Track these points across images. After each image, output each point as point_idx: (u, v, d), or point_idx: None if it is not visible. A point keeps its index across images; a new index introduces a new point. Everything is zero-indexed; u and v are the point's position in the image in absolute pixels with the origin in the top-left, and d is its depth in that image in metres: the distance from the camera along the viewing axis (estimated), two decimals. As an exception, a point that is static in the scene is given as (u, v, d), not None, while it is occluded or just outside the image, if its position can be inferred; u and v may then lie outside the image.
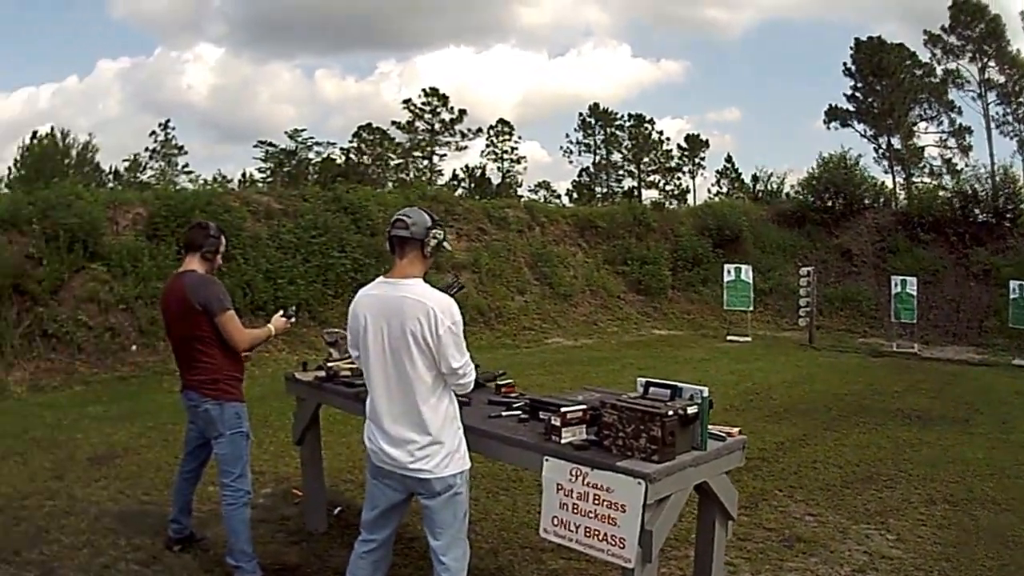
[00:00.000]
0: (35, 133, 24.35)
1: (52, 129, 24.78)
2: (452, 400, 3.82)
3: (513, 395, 4.87)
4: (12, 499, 6.56)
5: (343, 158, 58.73)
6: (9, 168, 28.08)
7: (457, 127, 62.64)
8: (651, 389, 3.90)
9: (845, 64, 47.71)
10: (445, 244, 3.89)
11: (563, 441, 3.76)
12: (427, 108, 62.10)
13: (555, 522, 3.71)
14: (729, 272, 19.01)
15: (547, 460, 3.74)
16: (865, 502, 7.00)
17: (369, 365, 3.81)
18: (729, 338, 17.95)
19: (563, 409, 3.81)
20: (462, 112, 62.82)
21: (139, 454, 8.06)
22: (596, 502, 3.53)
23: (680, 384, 3.86)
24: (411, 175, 56.68)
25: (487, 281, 18.71)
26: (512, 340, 17.37)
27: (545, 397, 4.43)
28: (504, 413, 4.39)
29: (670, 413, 3.52)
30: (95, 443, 8.46)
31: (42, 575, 5.12)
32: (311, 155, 56.44)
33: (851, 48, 47.40)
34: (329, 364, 5.50)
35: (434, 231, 3.77)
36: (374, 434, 3.84)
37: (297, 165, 54.21)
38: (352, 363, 5.23)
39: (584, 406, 3.88)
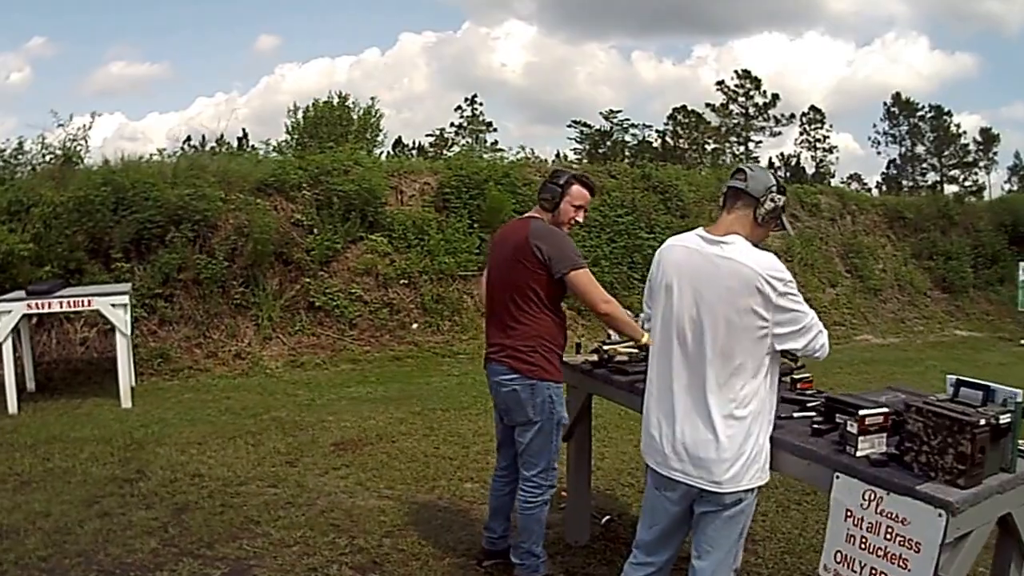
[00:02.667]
0: (316, 101, 24.65)
1: (331, 94, 24.89)
2: (768, 395, 3.27)
3: (810, 392, 4.20)
4: (228, 484, 6.01)
5: (659, 141, 59.21)
6: (285, 139, 28.40)
7: (771, 112, 63.99)
8: (962, 390, 3.38)
9: None
10: (784, 219, 3.41)
11: (859, 453, 3.17)
12: (740, 91, 63.39)
13: (838, 558, 3.15)
14: (1023, 271, 18.30)
15: (838, 478, 3.16)
16: None
17: (662, 335, 3.39)
18: (1023, 342, 17.01)
19: (862, 412, 3.20)
20: (775, 96, 64.17)
21: (394, 442, 7.25)
22: (888, 536, 2.97)
23: (993, 385, 3.29)
24: (727, 160, 56.22)
25: (799, 271, 17.85)
26: None
27: (844, 396, 3.74)
28: (796, 414, 3.73)
29: (982, 423, 2.87)
30: (346, 427, 7.71)
31: (231, 573, 4.58)
32: (627, 137, 57.17)
33: None
34: (605, 347, 4.77)
35: (774, 194, 3.30)
36: (655, 430, 3.39)
37: (612, 147, 54.78)
38: (631, 346, 4.62)
39: (886, 410, 3.29)
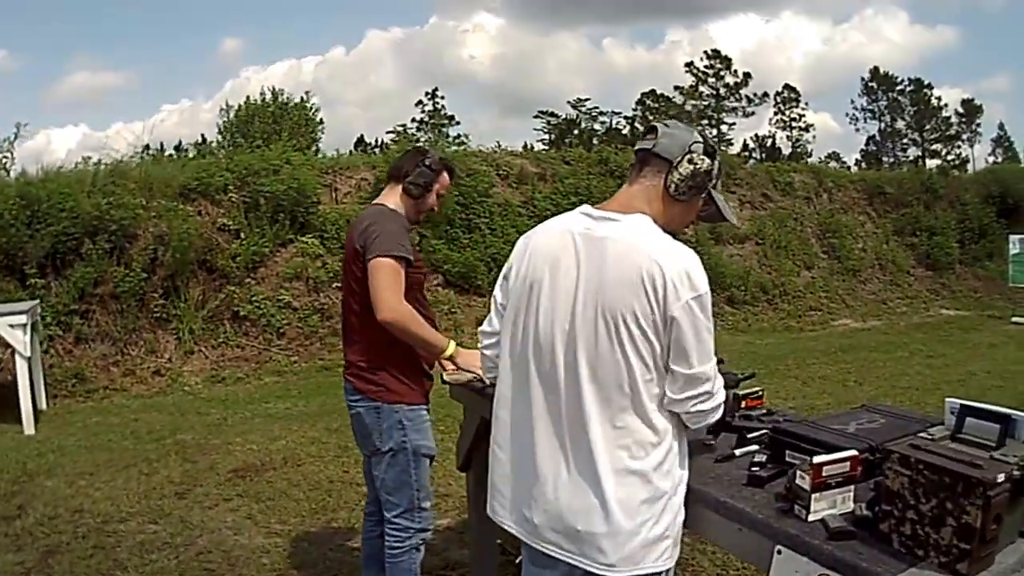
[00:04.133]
0: (248, 99, 23.95)
1: (263, 90, 24.21)
2: (676, 441, 2.32)
3: (758, 411, 3.21)
4: (107, 521, 5.56)
5: (628, 127, 59.24)
6: (216, 140, 27.18)
7: (742, 92, 63.98)
8: (968, 421, 2.42)
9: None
10: (717, 196, 2.48)
11: (812, 517, 2.17)
12: (710, 71, 63.59)
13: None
14: (1014, 244, 17.76)
15: (779, 553, 2.17)
16: None
17: (519, 354, 2.40)
18: (1014, 319, 16.48)
19: (817, 459, 2.20)
20: (747, 76, 64.22)
21: (299, 465, 6.81)
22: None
23: (1015, 414, 2.32)
24: None
25: (771, 254, 17.63)
26: (796, 322, 16.25)
27: (797, 424, 2.80)
28: (738, 451, 2.77)
29: (1000, 479, 1.88)
30: (251, 450, 7.28)
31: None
32: (596, 126, 57.04)
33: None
34: None
35: (695, 154, 2.33)
36: (509, 489, 2.46)
37: (579, 136, 54.68)
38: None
39: (853, 452, 2.27)
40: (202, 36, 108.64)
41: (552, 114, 59.04)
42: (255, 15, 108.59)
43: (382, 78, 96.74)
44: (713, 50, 64.62)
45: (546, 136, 58.05)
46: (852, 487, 2.24)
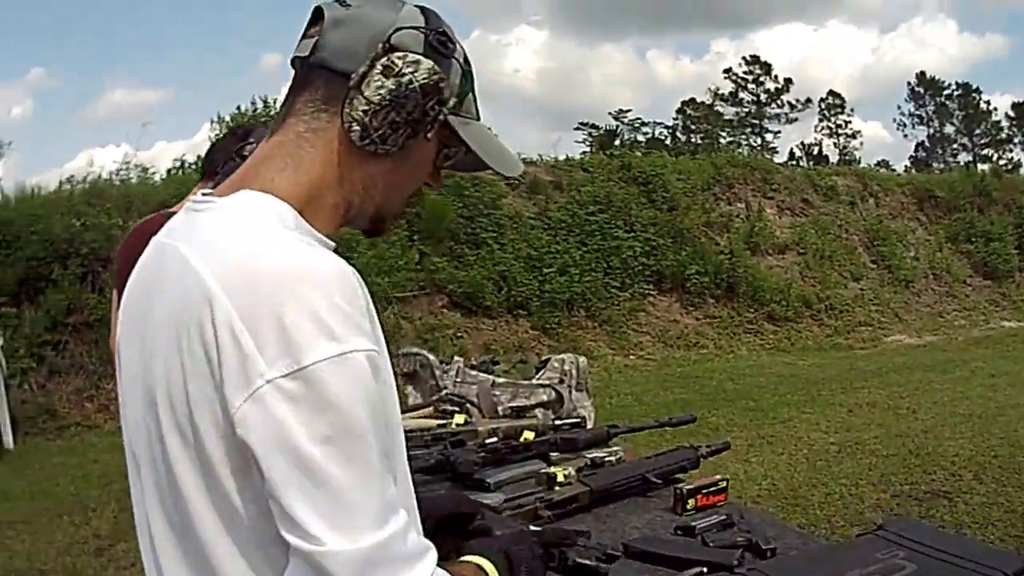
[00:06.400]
0: (239, 108, 23.19)
1: (254, 98, 23.50)
2: None
3: (712, 516, 1.97)
4: None
5: (669, 137, 58.89)
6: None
7: (784, 97, 62.57)
8: None
9: None
10: (459, 118, 1.21)
11: None
12: (750, 77, 62.48)
13: None
14: None
15: None
16: None
17: (127, 453, 1.13)
18: None
19: None
20: (787, 81, 62.83)
21: None
22: None
23: None
24: (744, 153, 56.38)
25: (814, 265, 16.53)
26: (844, 339, 15.23)
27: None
28: None
29: None
30: None
31: None
32: (639, 136, 56.89)
33: None
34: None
35: (398, 55, 1.07)
36: None
37: (621, 147, 54.39)
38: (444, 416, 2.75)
39: None
40: (241, 52, 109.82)
41: (593, 125, 58.63)
42: (294, 29, 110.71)
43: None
44: (752, 55, 64.08)
45: (588, 148, 57.93)
46: None
